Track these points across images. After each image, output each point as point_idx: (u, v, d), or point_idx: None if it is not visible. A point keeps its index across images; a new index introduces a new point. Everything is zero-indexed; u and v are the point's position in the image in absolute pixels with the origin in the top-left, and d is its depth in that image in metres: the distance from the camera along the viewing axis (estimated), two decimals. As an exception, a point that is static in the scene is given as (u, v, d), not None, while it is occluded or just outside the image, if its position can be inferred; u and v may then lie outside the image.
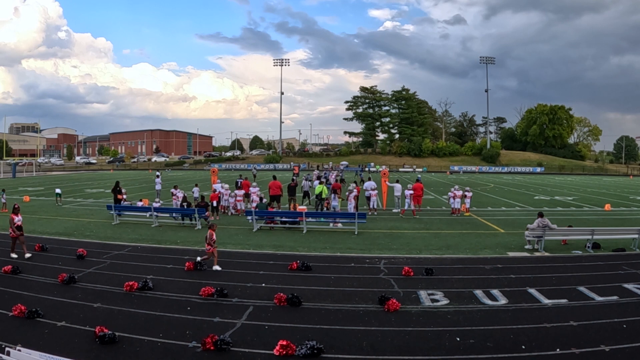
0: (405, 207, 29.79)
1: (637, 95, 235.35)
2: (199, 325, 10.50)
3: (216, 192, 28.37)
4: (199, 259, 15.93)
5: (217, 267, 15.61)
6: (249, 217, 24.08)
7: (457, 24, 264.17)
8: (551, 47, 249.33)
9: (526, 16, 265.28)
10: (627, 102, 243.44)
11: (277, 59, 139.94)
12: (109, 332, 9.47)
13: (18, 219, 17.06)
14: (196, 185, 33.65)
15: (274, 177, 31.19)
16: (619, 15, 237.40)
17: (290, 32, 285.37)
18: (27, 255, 16.84)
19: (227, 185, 30.66)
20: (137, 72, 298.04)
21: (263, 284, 13.86)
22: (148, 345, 9.40)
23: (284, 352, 8.90)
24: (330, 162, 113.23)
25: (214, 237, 15.78)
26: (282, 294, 12.19)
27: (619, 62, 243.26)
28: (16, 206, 17.77)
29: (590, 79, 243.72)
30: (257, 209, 24.84)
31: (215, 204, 27.46)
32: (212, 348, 9.07)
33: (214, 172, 35.69)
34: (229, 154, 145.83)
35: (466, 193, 30.69)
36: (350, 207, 27.65)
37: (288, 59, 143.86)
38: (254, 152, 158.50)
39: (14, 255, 16.74)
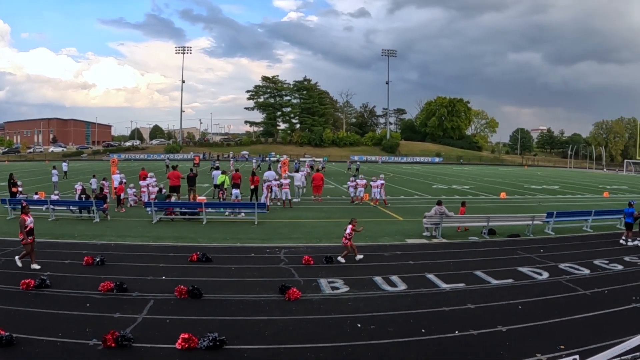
0: (377, 197, 30.76)
1: (532, 90, 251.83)
2: (99, 321, 10.03)
3: (121, 184, 27.48)
4: (340, 258, 15.85)
5: (360, 256, 15.97)
6: (148, 209, 23.51)
7: (362, 16, 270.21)
8: (453, 42, 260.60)
9: (430, 12, 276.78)
10: (523, 96, 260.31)
11: (179, 47, 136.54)
12: (6, 333, 8.82)
13: (30, 221, 14.27)
14: (94, 177, 32.43)
15: (174, 167, 30.58)
16: (519, 15, 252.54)
17: (194, 20, 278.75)
18: (34, 266, 14.11)
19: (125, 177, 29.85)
20: (35, 57, 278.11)
21: (163, 277, 13.50)
22: (47, 346, 8.86)
23: (186, 346, 8.73)
24: (231, 152, 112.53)
25: (349, 230, 15.97)
26: (182, 287, 11.92)
27: (517, 59, 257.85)
28: (24, 204, 14.92)
29: (490, 74, 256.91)
30: (156, 200, 24.31)
31: (123, 195, 26.90)
32: (113, 345, 8.72)
33: (113, 162, 34.36)
34: (128, 143, 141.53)
35: (371, 183, 31.44)
36: (263, 197, 28.17)
37: (190, 47, 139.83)
38: (154, 141, 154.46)
39: (35, 267, 14.07)
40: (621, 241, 19.87)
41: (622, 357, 5.28)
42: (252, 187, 29.36)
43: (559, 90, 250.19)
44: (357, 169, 62.71)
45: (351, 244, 15.93)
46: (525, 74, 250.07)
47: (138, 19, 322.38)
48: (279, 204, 29.27)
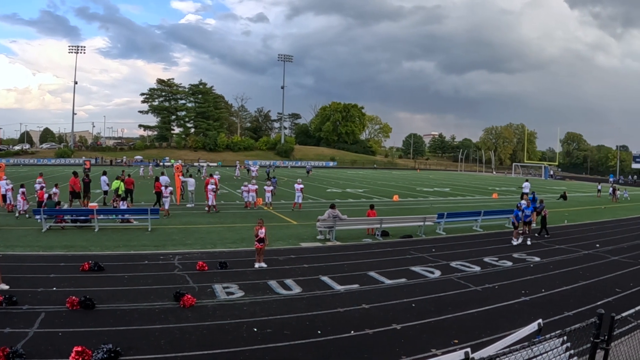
0: (299, 201, 31.33)
1: (425, 97, 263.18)
2: (-10, 338, 9.41)
3: (42, 190, 26.18)
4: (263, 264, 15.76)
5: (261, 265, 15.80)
6: (38, 217, 22.30)
7: (260, 21, 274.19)
8: (349, 49, 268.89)
9: (327, 19, 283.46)
10: (416, 103, 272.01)
11: (72, 46, 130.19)
12: None
13: None
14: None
15: (75, 174, 29.35)
16: (413, 25, 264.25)
17: (90, 18, 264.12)
18: (3, 286, 12.65)
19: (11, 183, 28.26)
20: None
21: (54, 288, 12.80)
22: None
23: (80, 359, 8.36)
24: (124, 157, 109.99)
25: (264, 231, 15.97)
26: (74, 297, 11.36)
27: (411, 67, 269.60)
28: None
29: (384, 81, 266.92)
30: (45, 207, 23.16)
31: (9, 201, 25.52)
32: (5, 362, 8.23)
33: (0, 167, 32.36)
34: (17, 147, 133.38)
35: (265, 187, 32.03)
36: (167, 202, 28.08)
37: (84, 47, 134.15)
38: (45, 145, 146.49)
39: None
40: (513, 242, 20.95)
41: (512, 347, 5.51)
42: (155, 191, 29.12)
43: (450, 97, 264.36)
44: (308, 172, 68.58)
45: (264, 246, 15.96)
46: (419, 81, 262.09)
47: (32, 15, 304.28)
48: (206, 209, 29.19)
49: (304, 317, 10.89)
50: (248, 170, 71.64)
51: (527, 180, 41.56)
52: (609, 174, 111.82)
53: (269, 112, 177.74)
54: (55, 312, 11.01)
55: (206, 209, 29.30)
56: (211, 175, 33.39)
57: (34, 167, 77.20)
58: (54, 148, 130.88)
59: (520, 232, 21.40)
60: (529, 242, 20.94)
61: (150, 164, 69.47)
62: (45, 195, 25.74)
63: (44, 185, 27.45)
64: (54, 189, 26.85)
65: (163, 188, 27.87)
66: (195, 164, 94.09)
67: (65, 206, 25.34)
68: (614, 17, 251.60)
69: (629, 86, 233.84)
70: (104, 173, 32.63)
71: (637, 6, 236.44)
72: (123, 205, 25.58)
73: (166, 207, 27.12)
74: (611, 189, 50.07)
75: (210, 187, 29.60)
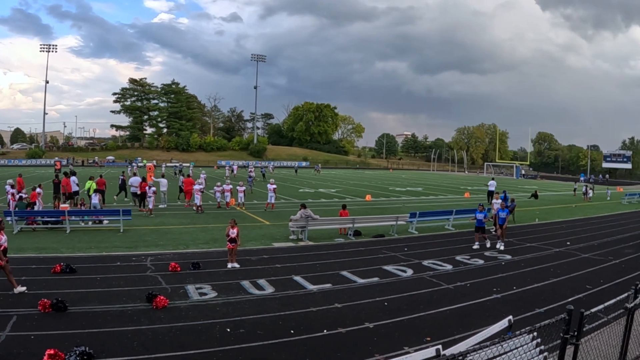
0: (272, 201, 31.35)
1: (397, 97, 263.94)
2: (-38, 343, 9.26)
3: (34, 190, 25.85)
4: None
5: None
6: (9, 218, 21.94)
7: (234, 21, 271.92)
8: (322, 49, 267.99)
9: (301, 19, 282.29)
10: (389, 103, 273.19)
11: (44, 44, 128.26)
12: None
13: (4, 239, 12.87)
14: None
15: (66, 174, 29.21)
16: (386, 25, 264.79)
17: (62, 17, 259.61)
18: (19, 289, 12.53)
19: None
20: None
21: (25, 291, 12.70)
22: None
23: (53, 362, 8.28)
24: (96, 157, 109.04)
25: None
26: (46, 300, 11.24)
27: (383, 67, 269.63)
28: None
29: (357, 81, 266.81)
30: (17, 209, 22.87)
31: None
32: (-23, 366, 8.09)
33: None
34: None
35: (238, 188, 32.00)
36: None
37: (56, 45, 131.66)
38: (15, 146, 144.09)
39: (21, 289, 12.54)
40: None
41: (482, 344, 5.58)
42: (140, 192, 29.07)
43: (423, 97, 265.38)
44: (296, 171, 71.32)
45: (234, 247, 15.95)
46: (391, 81, 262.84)
47: (4, 13, 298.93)
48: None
49: (277, 317, 10.93)
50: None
51: (492, 179, 42.01)
52: (579, 173, 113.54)
53: (241, 112, 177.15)
54: (27, 315, 10.89)
55: (194, 209, 29.26)
56: (188, 176, 33.34)
57: (4, 168, 76.06)
58: (25, 148, 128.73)
59: (493, 232, 21.31)
60: (498, 246, 20.18)
61: (135, 165, 69.08)
62: (39, 197, 25.50)
63: (14, 187, 27.16)
64: (38, 189, 26.55)
65: (147, 188, 27.77)
66: (169, 164, 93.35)
67: (35, 207, 24.98)
68: (585, 19, 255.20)
69: (600, 87, 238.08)
70: (74, 173, 32.35)
71: (608, 8, 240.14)
72: (95, 198, 25.35)
73: (150, 206, 27.30)
74: (584, 188, 51.08)
75: (197, 187, 29.65)
